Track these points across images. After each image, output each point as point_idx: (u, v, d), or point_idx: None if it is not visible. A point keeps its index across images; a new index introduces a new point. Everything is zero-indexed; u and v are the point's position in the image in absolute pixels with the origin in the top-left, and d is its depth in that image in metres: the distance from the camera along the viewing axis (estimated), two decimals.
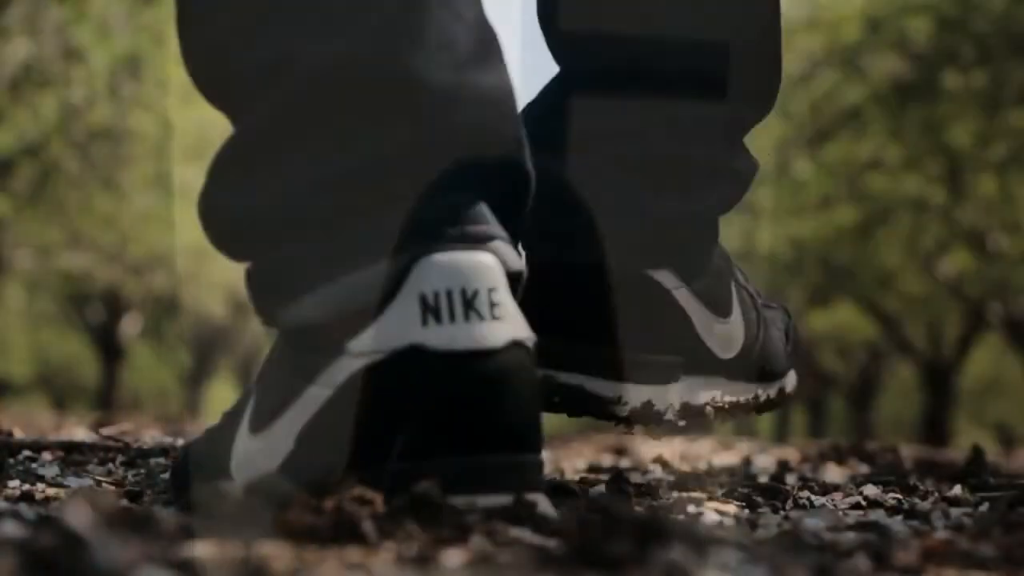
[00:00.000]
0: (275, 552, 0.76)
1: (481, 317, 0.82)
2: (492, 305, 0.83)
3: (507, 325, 0.83)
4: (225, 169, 0.89)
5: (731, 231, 9.15)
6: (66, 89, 5.86)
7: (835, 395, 15.29)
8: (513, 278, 0.84)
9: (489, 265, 0.82)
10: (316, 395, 0.86)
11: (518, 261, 0.86)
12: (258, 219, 0.88)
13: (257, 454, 0.91)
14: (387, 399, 0.82)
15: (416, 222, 0.82)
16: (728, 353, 1.21)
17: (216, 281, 10.27)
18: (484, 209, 0.84)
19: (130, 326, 11.83)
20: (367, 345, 0.82)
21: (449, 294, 0.81)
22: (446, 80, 0.84)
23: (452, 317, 0.81)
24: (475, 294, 0.82)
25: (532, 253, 1.04)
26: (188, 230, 8.29)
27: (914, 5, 6.78)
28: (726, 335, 1.20)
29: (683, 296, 1.13)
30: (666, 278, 1.11)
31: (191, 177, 7.24)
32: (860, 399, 13.39)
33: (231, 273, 10.00)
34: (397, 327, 0.81)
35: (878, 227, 8.15)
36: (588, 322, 1.08)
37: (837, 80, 7.61)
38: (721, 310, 1.19)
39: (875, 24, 6.98)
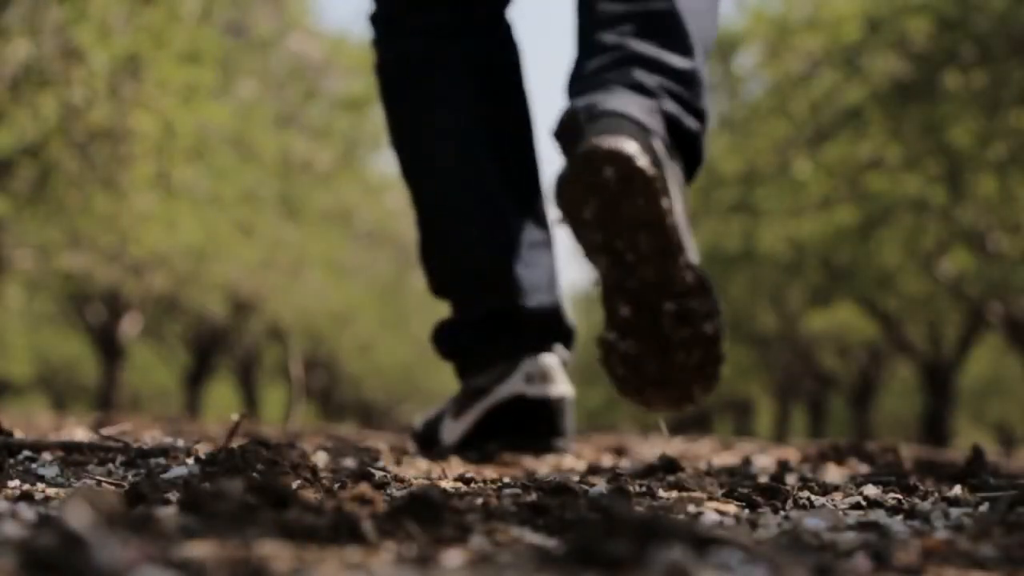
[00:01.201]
0: (275, 552, 0.76)
1: (550, 383, 2.07)
2: (554, 379, 2.08)
3: (561, 387, 2.09)
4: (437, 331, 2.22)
5: (731, 231, 9.14)
6: (66, 89, 5.85)
7: (835, 395, 15.28)
8: (565, 363, 2.13)
9: (555, 361, 2.11)
10: (478, 408, 2.07)
11: (567, 355, 2.14)
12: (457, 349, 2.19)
13: (453, 429, 2.10)
14: (504, 414, 2.06)
15: (523, 340, 2.09)
16: None
17: (216, 281, 10.26)
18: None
19: (130, 326, 11.83)
20: (502, 392, 2.05)
21: (538, 372, 2.07)
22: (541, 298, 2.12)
23: (538, 382, 2.07)
24: (547, 373, 2.07)
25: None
26: (188, 230, 8.29)
27: (914, 5, 6.77)
28: None
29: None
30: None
31: (191, 177, 7.23)
32: (860, 399, 13.38)
33: (231, 273, 10.01)
34: (514, 385, 2.05)
35: (878, 227, 8.14)
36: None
37: (837, 80, 7.61)
38: None
39: (875, 24, 6.97)
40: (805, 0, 7.77)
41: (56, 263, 8.29)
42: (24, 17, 5.58)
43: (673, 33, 1.71)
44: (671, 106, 1.66)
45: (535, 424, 2.03)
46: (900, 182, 7.82)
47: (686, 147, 1.68)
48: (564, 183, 1.55)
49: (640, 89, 1.65)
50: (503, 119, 2.10)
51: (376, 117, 11.54)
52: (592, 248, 1.57)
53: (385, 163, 14.09)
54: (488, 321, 2.09)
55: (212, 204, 8.24)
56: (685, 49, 1.71)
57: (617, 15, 1.71)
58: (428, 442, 2.15)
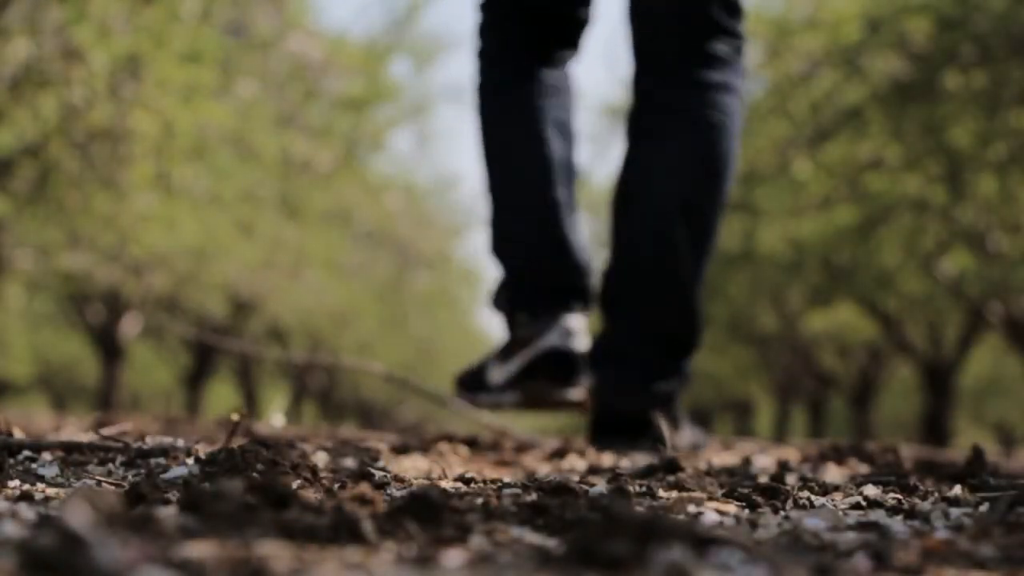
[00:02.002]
0: (275, 552, 0.76)
1: (576, 339, 2.57)
2: (579, 336, 2.59)
3: (583, 342, 2.60)
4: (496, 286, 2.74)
5: (731, 231, 9.15)
6: (66, 89, 5.85)
7: (835, 395, 15.28)
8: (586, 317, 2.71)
9: (581, 323, 2.61)
10: (525, 354, 2.56)
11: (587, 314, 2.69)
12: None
13: (502, 371, 2.56)
14: (541, 360, 2.58)
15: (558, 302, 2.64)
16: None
17: (216, 281, 10.26)
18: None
19: (130, 326, 11.83)
20: (543, 344, 2.56)
21: (569, 330, 2.60)
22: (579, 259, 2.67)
23: (568, 338, 2.57)
24: (574, 332, 2.58)
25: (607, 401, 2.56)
26: (188, 230, 8.29)
27: (914, 5, 6.77)
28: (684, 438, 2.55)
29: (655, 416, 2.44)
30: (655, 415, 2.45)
31: (191, 177, 7.23)
32: (860, 399, 13.39)
33: (231, 273, 10.01)
34: (552, 339, 2.57)
35: (878, 227, 8.14)
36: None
37: (837, 80, 7.61)
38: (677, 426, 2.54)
39: (875, 24, 6.97)
40: (805, 0, 7.77)
41: (56, 263, 8.29)
42: (24, 17, 5.58)
43: (677, 285, 2.53)
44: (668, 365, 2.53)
45: (562, 371, 2.52)
46: (900, 182, 7.82)
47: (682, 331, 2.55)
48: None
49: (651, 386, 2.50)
50: (557, 133, 2.70)
51: (376, 117, 11.55)
52: None
53: (385, 163, 14.10)
54: (536, 278, 2.64)
55: (212, 204, 8.24)
56: (689, 288, 2.53)
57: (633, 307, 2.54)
58: (474, 385, 2.66)
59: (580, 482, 1.42)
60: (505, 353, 2.63)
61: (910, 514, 1.18)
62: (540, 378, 2.57)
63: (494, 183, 2.72)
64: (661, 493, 1.34)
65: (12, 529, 0.81)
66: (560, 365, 2.55)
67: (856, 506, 1.28)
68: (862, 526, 1.06)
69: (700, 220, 2.51)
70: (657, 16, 2.57)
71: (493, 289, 2.75)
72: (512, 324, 2.65)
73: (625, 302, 2.56)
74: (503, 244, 2.70)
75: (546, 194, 2.65)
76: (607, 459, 2.26)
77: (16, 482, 1.27)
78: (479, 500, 1.09)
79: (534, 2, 2.70)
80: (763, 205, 8.78)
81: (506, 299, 2.69)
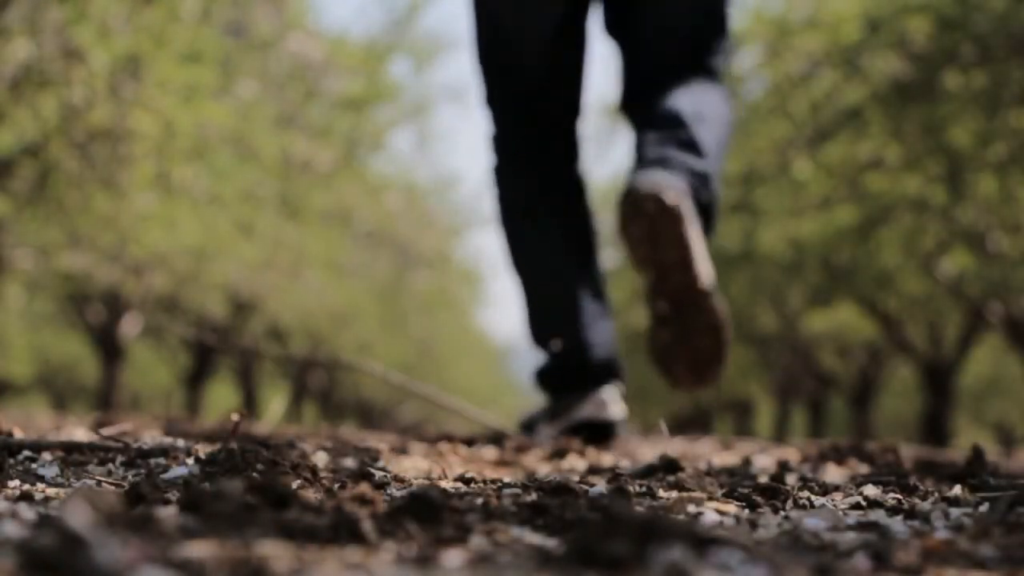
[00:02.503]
0: (275, 552, 0.76)
1: (607, 409, 2.97)
2: (610, 406, 2.96)
3: (614, 410, 2.95)
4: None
5: (731, 231, 9.15)
6: (66, 89, 5.85)
7: (835, 395, 15.28)
8: (620, 391, 3.02)
9: (612, 394, 3.02)
10: (564, 421, 2.96)
11: (621, 386, 3.06)
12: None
13: (547, 431, 2.94)
14: (580, 427, 2.93)
15: (591, 379, 2.99)
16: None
17: (216, 281, 10.25)
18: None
19: (130, 326, 11.83)
20: (579, 414, 2.95)
21: (600, 402, 2.98)
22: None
23: (600, 409, 2.96)
24: (606, 403, 2.97)
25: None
26: (188, 230, 8.29)
27: (914, 5, 6.76)
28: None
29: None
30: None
31: (191, 177, 7.23)
32: (860, 399, 13.38)
33: (231, 273, 10.00)
34: (586, 410, 2.94)
35: (878, 227, 8.14)
36: None
37: (837, 80, 7.60)
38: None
39: (875, 24, 6.96)
40: (805, 0, 7.77)
41: (56, 263, 8.29)
42: (24, 17, 5.58)
43: (693, 147, 2.62)
44: (693, 181, 2.51)
45: (598, 433, 2.86)
46: (900, 182, 7.81)
47: (701, 212, 2.50)
48: (620, 213, 2.36)
49: (673, 169, 2.53)
50: (580, 239, 3.06)
51: (376, 117, 11.55)
52: (639, 260, 2.40)
53: (385, 163, 14.10)
54: (571, 366, 2.99)
55: (212, 204, 8.24)
56: (701, 156, 2.61)
57: (655, 139, 2.65)
58: (529, 430, 3.05)
59: (580, 482, 1.42)
60: (551, 417, 3.06)
61: (910, 514, 1.18)
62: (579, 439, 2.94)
63: (526, 290, 3.12)
64: (661, 493, 1.34)
65: (12, 529, 0.81)
66: (594, 430, 2.89)
67: (856, 506, 1.28)
68: (862, 526, 1.06)
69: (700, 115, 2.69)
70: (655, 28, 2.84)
71: (536, 370, 3.16)
72: (554, 399, 3.07)
73: (653, 137, 2.67)
74: (540, 340, 3.10)
75: (574, 299, 3.03)
76: (607, 459, 2.26)
77: (16, 482, 1.27)
78: (479, 500, 1.09)
79: (536, 117, 3.04)
80: (763, 205, 8.78)
81: (547, 379, 3.11)
